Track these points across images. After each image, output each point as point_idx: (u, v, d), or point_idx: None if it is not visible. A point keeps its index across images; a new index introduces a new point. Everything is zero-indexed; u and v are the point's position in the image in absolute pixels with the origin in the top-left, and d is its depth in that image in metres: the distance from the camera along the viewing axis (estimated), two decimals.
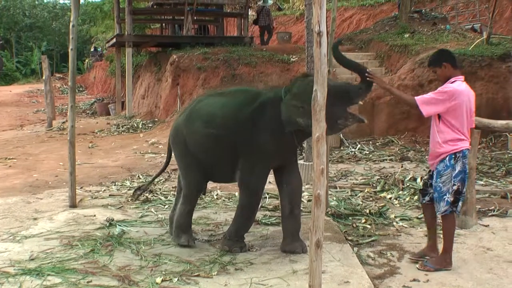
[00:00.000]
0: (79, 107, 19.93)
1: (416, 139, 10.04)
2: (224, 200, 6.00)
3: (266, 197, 5.92)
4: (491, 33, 11.99)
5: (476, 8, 18.10)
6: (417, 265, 3.99)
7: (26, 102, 22.98)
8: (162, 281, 3.60)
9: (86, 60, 31.99)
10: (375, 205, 5.67)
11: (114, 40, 16.83)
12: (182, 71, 13.70)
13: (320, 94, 2.87)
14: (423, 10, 16.40)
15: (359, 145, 9.76)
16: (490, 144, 9.50)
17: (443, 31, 14.06)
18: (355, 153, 9.33)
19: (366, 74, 3.86)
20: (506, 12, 17.02)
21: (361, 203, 5.81)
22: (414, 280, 3.76)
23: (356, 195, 6.21)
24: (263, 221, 5.06)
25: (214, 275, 3.71)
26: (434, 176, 3.96)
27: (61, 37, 42.07)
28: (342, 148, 9.78)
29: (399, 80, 10.70)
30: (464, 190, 4.02)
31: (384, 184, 6.66)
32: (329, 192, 5.66)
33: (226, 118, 4.17)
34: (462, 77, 3.93)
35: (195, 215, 5.26)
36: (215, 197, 6.16)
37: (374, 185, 6.73)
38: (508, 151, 8.94)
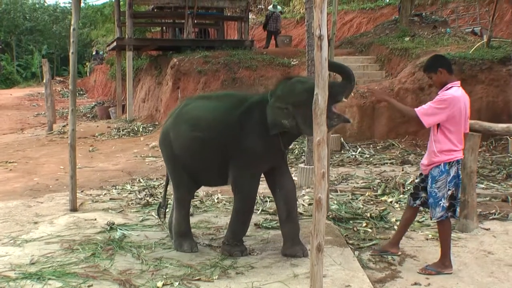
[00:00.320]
0: (80, 110, 19.89)
1: (416, 143, 10.03)
2: (225, 204, 5.98)
3: (267, 201, 5.92)
4: (491, 36, 12.03)
5: (476, 11, 18.16)
6: (418, 269, 3.99)
7: (26, 105, 22.94)
8: (163, 285, 3.60)
9: (88, 64, 31.97)
10: (376, 209, 5.66)
11: (115, 43, 16.82)
12: (182, 75, 13.70)
13: (321, 98, 2.89)
14: (424, 14, 16.45)
15: (359, 149, 9.76)
16: (491, 147, 9.50)
17: (444, 34, 14.10)
18: (355, 156, 9.33)
19: (367, 89, 3.85)
20: (507, 16, 17.07)
21: (362, 206, 5.80)
22: (415, 284, 3.76)
23: (357, 198, 6.21)
24: (264, 224, 5.05)
25: (215, 279, 3.71)
26: (429, 182, 3.97)
27: (62, 41, 42.05)
28: (342, 151, 9.78)
29: (400, 83, 10.69)
30: (459, 195, 4.04)
31: (385, 188, 6.66)
32: (330, 196, 5.65)
33: (213, 121, 4.16)
34: (458, 82, 3.95)
35: (196, 219, 5.27)
36: (215, 200, 6.16)
37: (375, 188, 6.73)
38: (508, 154, 8.94)
